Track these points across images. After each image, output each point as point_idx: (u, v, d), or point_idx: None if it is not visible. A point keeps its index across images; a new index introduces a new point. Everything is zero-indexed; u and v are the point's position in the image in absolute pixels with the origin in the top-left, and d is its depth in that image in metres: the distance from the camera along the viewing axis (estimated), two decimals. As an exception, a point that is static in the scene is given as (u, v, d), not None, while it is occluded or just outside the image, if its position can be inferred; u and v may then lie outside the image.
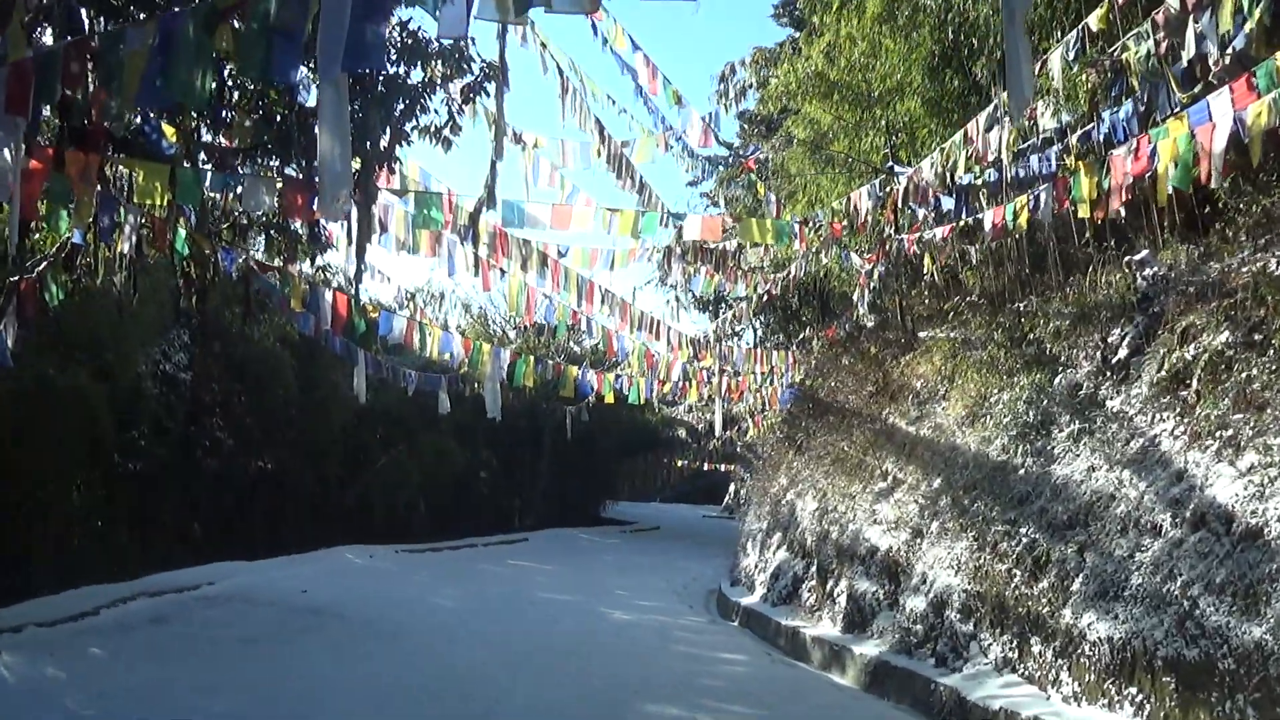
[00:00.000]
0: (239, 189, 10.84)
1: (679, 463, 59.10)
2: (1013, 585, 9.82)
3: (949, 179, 13.10)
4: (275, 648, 12.07)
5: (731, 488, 57.20)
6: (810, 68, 18.92)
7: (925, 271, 16.76)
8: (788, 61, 20.41)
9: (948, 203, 14.57)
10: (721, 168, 34.36)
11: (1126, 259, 11.11)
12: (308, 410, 25.94)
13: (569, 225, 13.85)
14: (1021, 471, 10.70)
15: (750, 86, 24.19)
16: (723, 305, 36.90)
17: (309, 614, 14.46)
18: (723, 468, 59.22)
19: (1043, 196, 12.04)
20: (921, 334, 16.46)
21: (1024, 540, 9.94)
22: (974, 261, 16.35)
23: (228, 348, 23.22)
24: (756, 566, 18.88)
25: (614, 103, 18.00)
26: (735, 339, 30.07)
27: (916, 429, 14.20)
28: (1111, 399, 10.18)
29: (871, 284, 17.51)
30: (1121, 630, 8.06)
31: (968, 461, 11.89)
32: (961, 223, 14.20)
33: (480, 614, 15.68)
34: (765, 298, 23.52)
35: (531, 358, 19.01)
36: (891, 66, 16.19)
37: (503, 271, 16.41)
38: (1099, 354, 10.73)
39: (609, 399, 25.21)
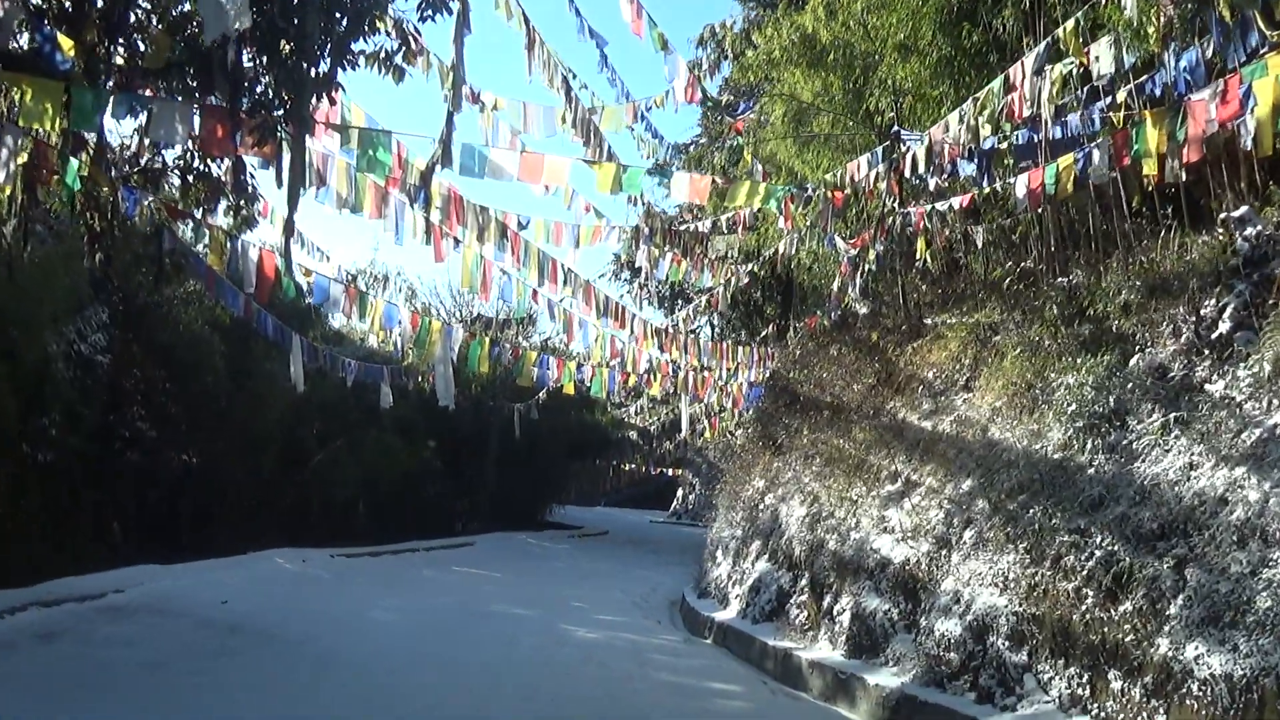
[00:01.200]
0: (147, 116, 8.88)
1: (626, 466, 57.43)
2: (1083, 607, 8.11)
3: (976, 138, 11.43)
4: (182, 677, 9.95)
5: (680, 493, 55.92)
6: (796, 34, 17.26)
7: (919, 256, 15.21)
8: (771, 26, 18.67)
9: (966, 169, 12.85)
10: (683, 155, 32.66)
11: (1222, 216, 9.43)
12: (240, 401, 23.84)
13: (540, 178, 11.96)
14: (1091, 470, 8.96)
15: (725, 58, 22.44)
16: (679, 302, 35.45)
17: (227, 632, 12.38)
18: (670, 472, 57.98)
19: (1095, 153, 10.38)
20: (928, 320, 14.76)
21: (1097, 553, 8.22)
22: (979, 243, 14.75)
23: (152, 330, 21.15)
24: (730, 578, 17.12)
25: (575, 76, 16.25)
26: (693, 335, 28.36)
27: (934, 424, 12.48)
28: (1211, 382, 8.49)
29: (865, 266, 15.85)
30: (1245, 665, 6.42)
31: (1014, 459, 10.12)
32: (986, 189, 12.53)
33: (427, 631, 13.71)
34: (729, 288, 21.78)
35: (487, 339, 16.88)
36: (900, 21, 14.48)
37: (457, 241, 14.50)
38: (1191, 329, 9.02)
39: (568, 389, 23.21)
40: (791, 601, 13.69)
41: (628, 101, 17.88)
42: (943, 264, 15.54)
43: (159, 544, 19.38)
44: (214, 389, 23.06)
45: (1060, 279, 11.60)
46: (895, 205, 14.23)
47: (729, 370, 25.00)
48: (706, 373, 24.43)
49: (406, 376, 26.91)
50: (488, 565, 24.45)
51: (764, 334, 30.04)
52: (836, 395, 16.22)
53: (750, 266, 21.64)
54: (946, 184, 13.49)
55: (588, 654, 12.83)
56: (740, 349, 24.84)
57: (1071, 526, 8.63)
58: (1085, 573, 8.23)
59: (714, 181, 12.76)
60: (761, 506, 17.12)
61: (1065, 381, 9.96)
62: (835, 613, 12.08)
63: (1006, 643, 8.78)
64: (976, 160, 12.55)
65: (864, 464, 13.42)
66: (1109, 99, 11.21)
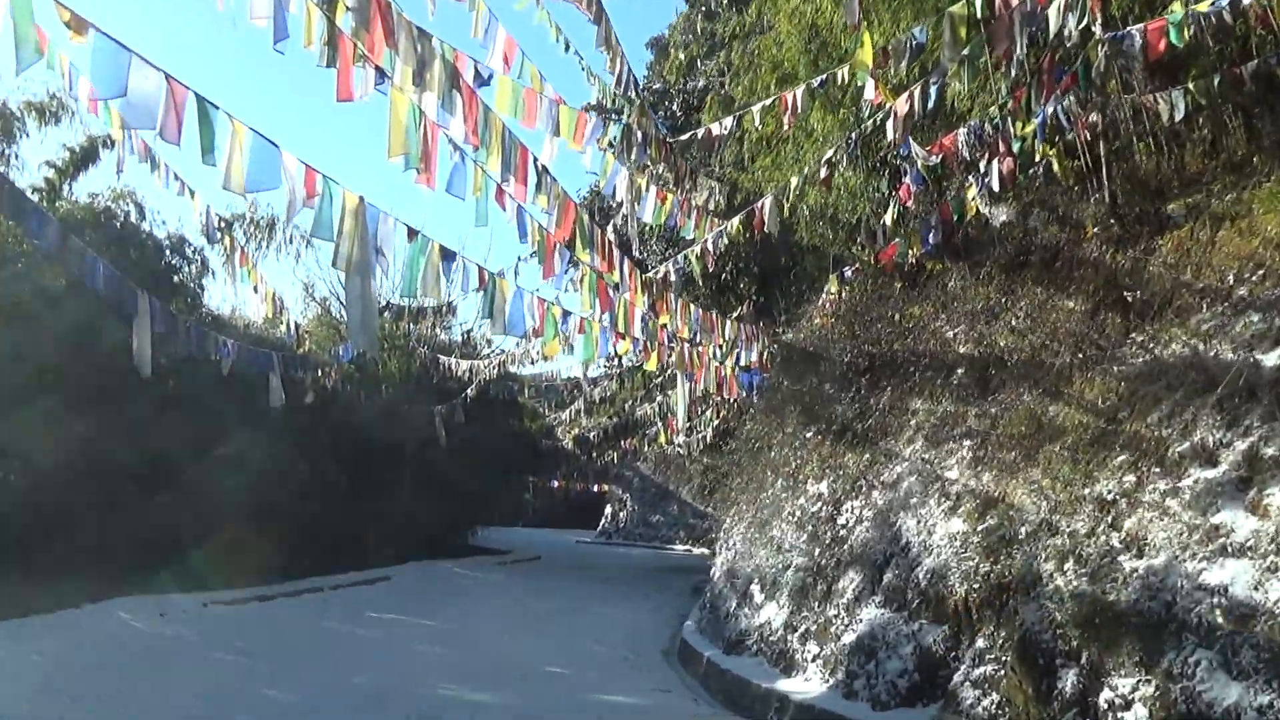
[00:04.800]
0: None
1: (555, 483, 51.82)
2: None
3: None
4: None
5: (609, 510, 51.22)
6: None
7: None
8: None
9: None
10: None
11: None
12: (80, 399, 17.86)
13: None
14: None
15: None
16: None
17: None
18: (596, 489, 53.43)
19: None
20: (1172, 205, 9.22)
21: None
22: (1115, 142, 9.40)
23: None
24: (793, 628, 11.47)
25: None
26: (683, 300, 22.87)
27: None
28: None
29: (1015, 145, 10.41)
30: None
31: None
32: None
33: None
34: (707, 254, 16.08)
35: (435, 244, 10.27)
36: None
37: (383, 74, 8.54)
38: None
39: (550, 350, 17.04)
40: (960, 676, 8.09)
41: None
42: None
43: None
44: (41, 382, 17.19)
45: None
46: (1099, 29, 8.75)
47: (720, 348, 19.45)
48: (700, 348, 18.80)
49: (304, 369, 21.09)
50: (413, 608, 18.81)
51: (739, 312, 24.89)
52: (1013, 337, 10.37)
53: (733, 224, 15.98)
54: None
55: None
56: (727, 323, 19.30)
57: None
58: None
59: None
60: (840, 521, 11.53)
61: None
62: (1107, 705, 6.50)
63: None
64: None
65: (1111, 438, 7.80)
66: None
